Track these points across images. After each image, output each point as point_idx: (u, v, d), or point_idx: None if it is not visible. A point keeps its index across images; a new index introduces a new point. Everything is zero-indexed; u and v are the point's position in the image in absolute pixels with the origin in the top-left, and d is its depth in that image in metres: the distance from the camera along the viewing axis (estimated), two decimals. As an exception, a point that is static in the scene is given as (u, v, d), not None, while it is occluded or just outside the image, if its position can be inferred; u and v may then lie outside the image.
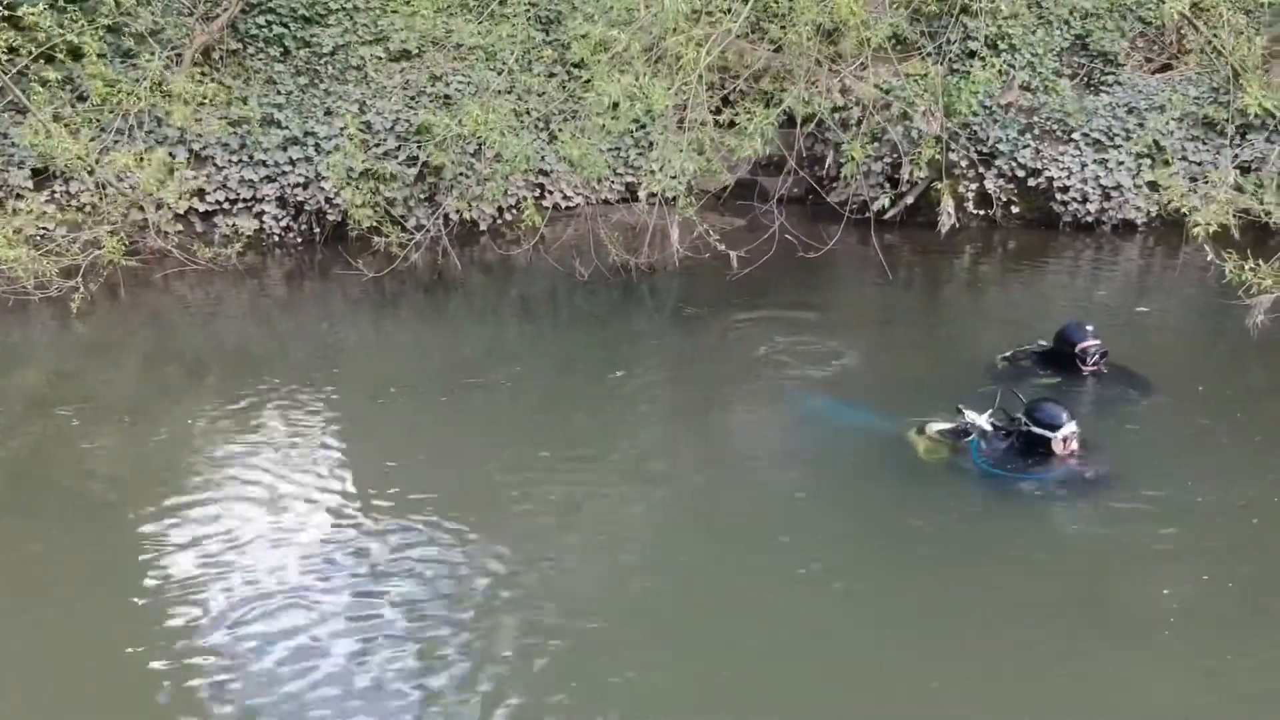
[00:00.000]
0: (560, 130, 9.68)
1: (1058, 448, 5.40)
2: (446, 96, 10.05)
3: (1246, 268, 6.53)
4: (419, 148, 9.57)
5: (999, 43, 10.36)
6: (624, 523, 5.46)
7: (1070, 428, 5.40)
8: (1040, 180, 10.03)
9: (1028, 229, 10.19)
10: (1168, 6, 8.55)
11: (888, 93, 9.99)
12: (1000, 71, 10.20)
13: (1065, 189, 9.98)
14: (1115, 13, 10.69)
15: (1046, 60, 10.44)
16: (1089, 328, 6.51)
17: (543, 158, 10.07)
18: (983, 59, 10.20)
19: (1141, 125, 10.08)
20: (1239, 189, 9.54)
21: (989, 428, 5.64)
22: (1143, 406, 6.36)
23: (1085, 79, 10.56)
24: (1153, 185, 9.83)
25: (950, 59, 9.99)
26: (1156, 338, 7.61)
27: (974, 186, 10.07)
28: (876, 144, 10.05)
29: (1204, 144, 9.97)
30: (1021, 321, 7.89)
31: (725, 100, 9.56)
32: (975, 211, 10.12)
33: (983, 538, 5.20)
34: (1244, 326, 6.85)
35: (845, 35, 8.12)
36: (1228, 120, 9.87)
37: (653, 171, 8.39)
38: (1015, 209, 10.16)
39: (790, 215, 9.55)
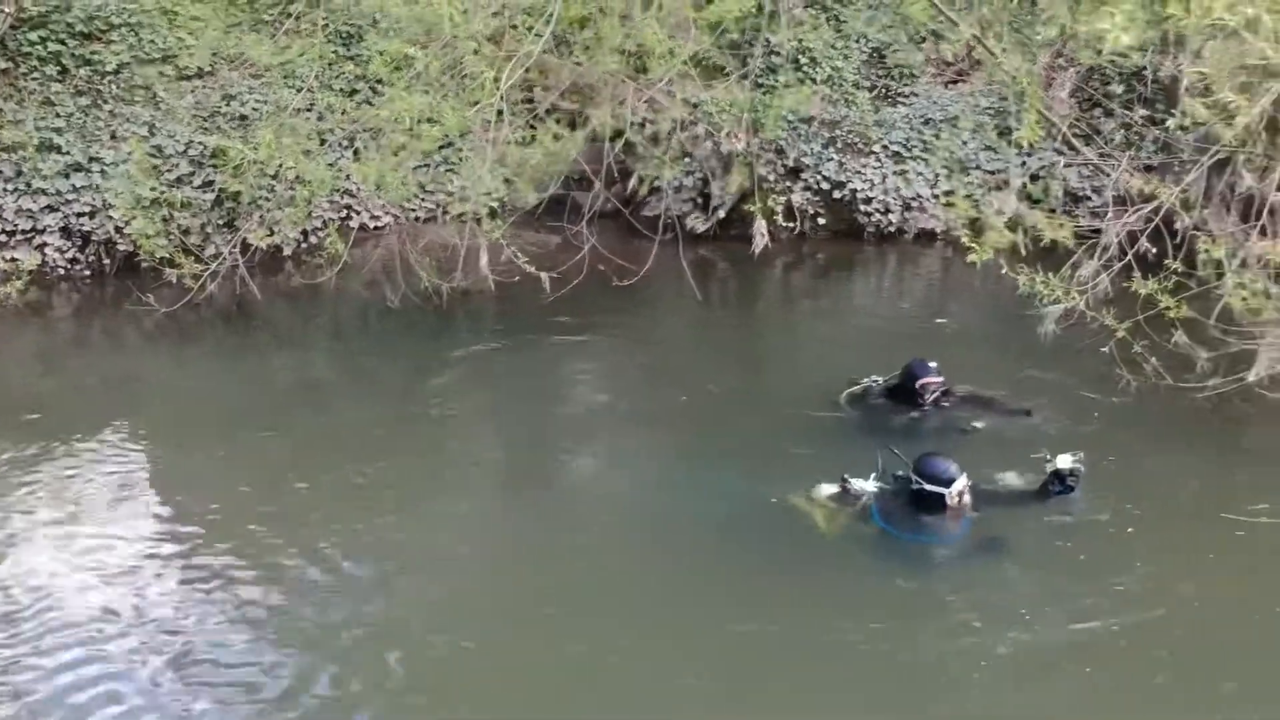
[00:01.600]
0: (365, 149, 9.67)
1: (951, 502, 5.45)
2: (242, 116, 9.91)
3: (1038, 280, 7.05)
4: (215, 171, 9.41)
5: (800, 57, 10.87)
6: (443, 559, 5.60)
7: (961, 482, 5.46)
8: (845, 193, 10.59)
9: (835, 240, 10.74)
10: (961, 29, 9.12)
11: (696, 106, 10.35)
12: (803, 82, 10.71)
13: (868, 201, 10.57)
14: (910, 26, 11.33)
15: (846, 74, 11.00)
16: (932, 364, 6.73)
17: (347, 177, 10.04)
18: (786, 73, 10.69)
19: (937, 137, 10.76)
20: (1030, 198, 10.30)
21: (876, 490, 5.67)
22: (978, 436, 6.68)
23: (884, 92, 11.19)
24: (950, 195, 10.50)
25: (755, 75, 10.41)
26: (956, 349, 8.14)
27: (782, 200, 10.54)
28: (687, 159, 10.40)
29: (996, 154, 10.71)
30: (833, 339, 8.43)
31: (534, 118, 9.72)
32: (784, 224, 10.57)
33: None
34: (1036, 335, 7.37)
35: (650, 57, 8.37)
36: (1038, 116, 10.58)
37: (461, 195, 8.49)
38: (822, 221, 10.70)
39: (604, 231, 9.79)
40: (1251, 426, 6.68)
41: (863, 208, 10.59)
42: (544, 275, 8.51)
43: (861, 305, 9.47)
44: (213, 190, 9.43)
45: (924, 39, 11.20)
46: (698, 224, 10.37)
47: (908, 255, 10.40)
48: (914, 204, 10.56)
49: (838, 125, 10.78)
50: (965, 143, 10.72)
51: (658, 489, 6.28)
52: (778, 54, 10.68)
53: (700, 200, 10.60)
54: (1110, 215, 7.85)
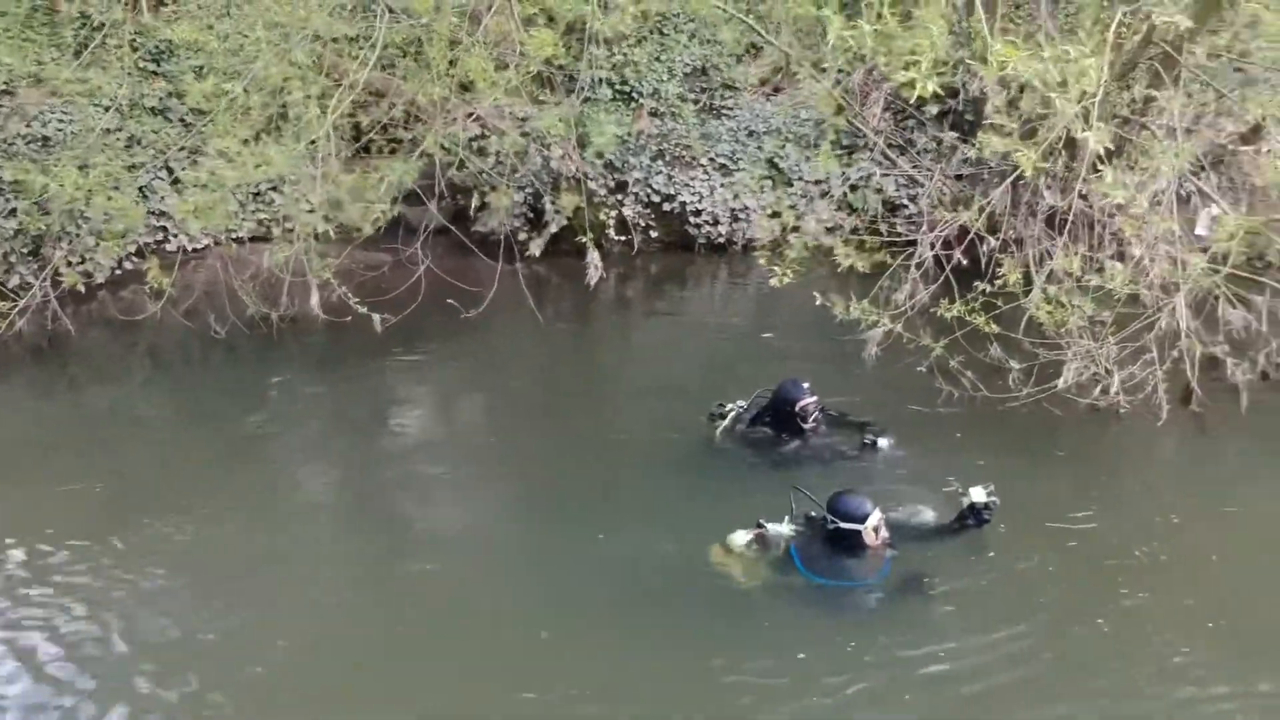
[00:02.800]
0: (183, 173, 9.37)
1: (869, 538, 5.44)
2: (45, 138, 9.46)
3: (853, 307, 7.43)
4: (16, 199, 8.97)
5: (625, 70, 11.05)
6: (276, 599, 5.63)
7: (875, 516, 5.47)
8: (674, 205, 10.84)
9: (667, 252, 10.99)
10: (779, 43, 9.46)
11: (525, 120, 10.41)
12: (629, 97, 10.91)
13: (698, 212, 10.85)
14: (731, 33, 11.62)
15: (671, 86, 11.24)
16: (805, 384, 6.78)
17: (163, 199, 9.74)
18: (612, 86, 10.86)
19: (760, 148, 11.12)
20: (850, 207, 10.78)
21: (793, 532, 5.65)
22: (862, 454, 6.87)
23: (708, 104, 11.48)
24: (775, 211, 10.85)
25: (582, 90, 10.52)
26: (781, 365, 8.46)
27: (613, 214, 10.71)
28: (517, 174, 10.45)
29: (816, 164, 11.11)
30: (674, 359, 8.77)
31: (364, 148, 9.63)
32: (616, 238, 10.74)
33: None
34: (860, 347, 7.77)
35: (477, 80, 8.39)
36: (834, 141, 11.06)
37: (286, 227, 8.35)
38: (654, 233, 10.92)
39: (437, 247, 9.74)
40: (1064, 432, 7.15)
41: (692, 219, 10.87)
42: (376, 318, 8.37)
43: (696, 321, 9.74)
44: (15, 218, 8.98)
45: (743, 55, 11.54)
46: (533, 247, 10.36)
47: (738, 266, 10.73)
48: (741, 215, 10.88)
49: (665, 138, 11.01)
50: (787, 154, 11.09)
51: (520, 539, 6.32)
52: (602, 67, 10.81)
53: (532, 215, 10.67)
54: (924, 228, 8.33)
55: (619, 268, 10.73)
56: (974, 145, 7.93)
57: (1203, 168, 8.93)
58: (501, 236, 10.13)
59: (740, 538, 5.67)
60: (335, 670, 5.09)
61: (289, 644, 5.24)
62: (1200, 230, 7.87)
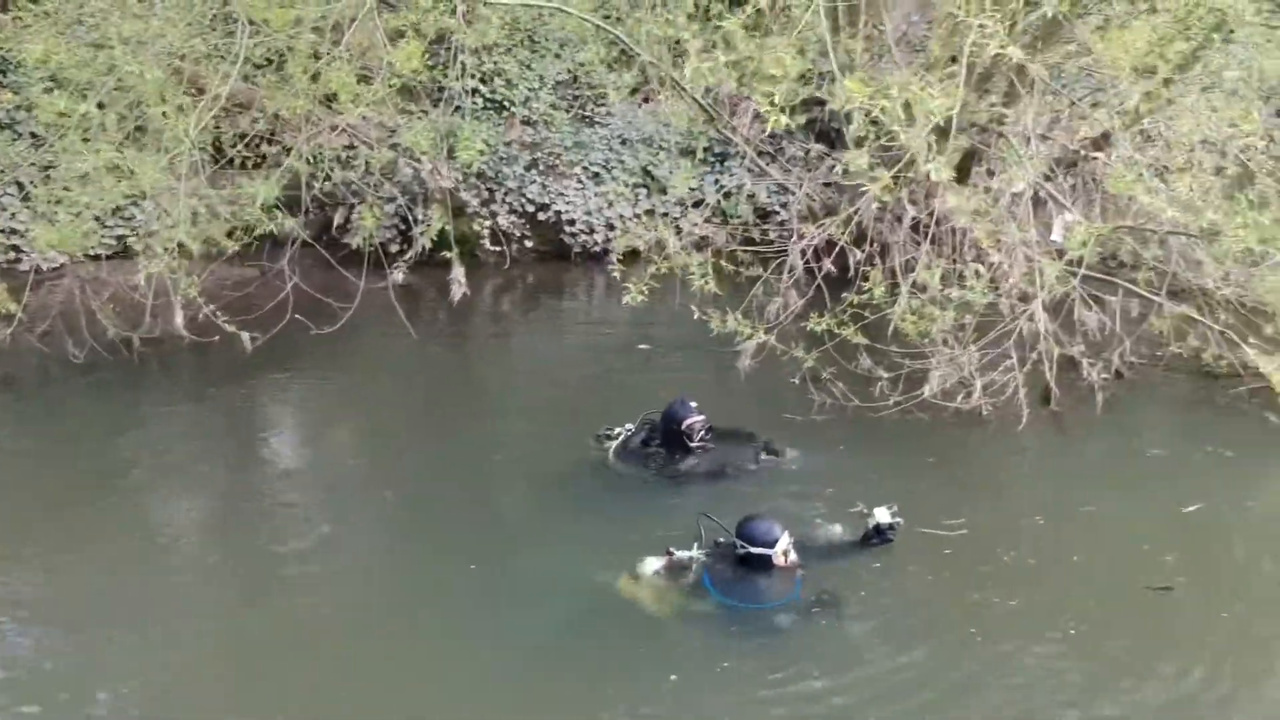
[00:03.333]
0: (35, 189, 8.98)
1: (779, 561, 5.49)
2: None
3: (729, 321, 7.56)
4: None
5: (495, 78, 11.01)
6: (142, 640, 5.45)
7: (785, 540, 5.52)
8: (549, 214, 10.84)
9: (543, 262, 10.99)
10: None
11: (393, 131, 10.27)
12: (500, 106, 10.88)
13: (572, 222, 10.87)
14: (601, 41, 11.65)
15: (543, 94, 11.23)
16: (692, 404, 6.82)
17: (13, 215, 9.36)
18: (483, 95, 10.81)
19: (634, 156, 11.18)
20: (723, 214, 10.93)
21: (703, 558, 5.64)
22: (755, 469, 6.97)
23: (580, 112, 11.50)
24: (650, 214, 10.95)
25: (452, 100, 10.43)
26: (657, 377, 8.56)
27: (487, 224, 10.64)
28: (386, 186, 10.32)
29: (701, 162, 11.20)
30: (555, 374, 8.75)
31: (230, 162, 9.40)
32: (492, 248, 10.68)
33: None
34: (734, 357, 7.88)
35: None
36: (708, 149, 11.20)
37: (148, 245, 8.10)
38: (530, 243, 10.90)
39: (306, 260, 9.54)
40: (934, 438, 7.36)
41: (568, 229, 10.89)
42: (245, 336, 8.18)
43: (574, 333, 9.80)
44: None
45: (614, 63, 11.56)
46: (395, 274, 9.97)
47: (615, 275, 10.72)
48: (617, 223, 10.93)
49: (538, 147, 11.00)
50: (661, 162, 11.18)
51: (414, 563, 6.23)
52: (473, 76, 10.74)
53: (404, 226, 10.53)
54: (794, 238, 8.49)
55: (495, 279, 10.68)
56: (839, 160, 8.09)
57: (1055, 173, 9.31)
58: (369, 250, 9.92)
59: (650, 565, 5.63)
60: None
61: (142, 687, 5.07)
62: (1055, 235, 8.18)
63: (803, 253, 8.26)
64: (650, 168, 11.19)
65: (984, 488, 6.89)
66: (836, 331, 7.52)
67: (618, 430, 7.01)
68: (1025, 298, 7.62)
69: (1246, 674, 5.04)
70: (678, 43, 8.65)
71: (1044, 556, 6.02)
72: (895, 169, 6.81)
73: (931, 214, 7.79)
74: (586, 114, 11.53)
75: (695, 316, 7.60)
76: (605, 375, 8.60)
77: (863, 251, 7.98)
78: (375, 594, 5.87)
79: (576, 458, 7.06)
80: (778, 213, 10.93)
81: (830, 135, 10.41)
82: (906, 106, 5.49)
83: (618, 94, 10.62)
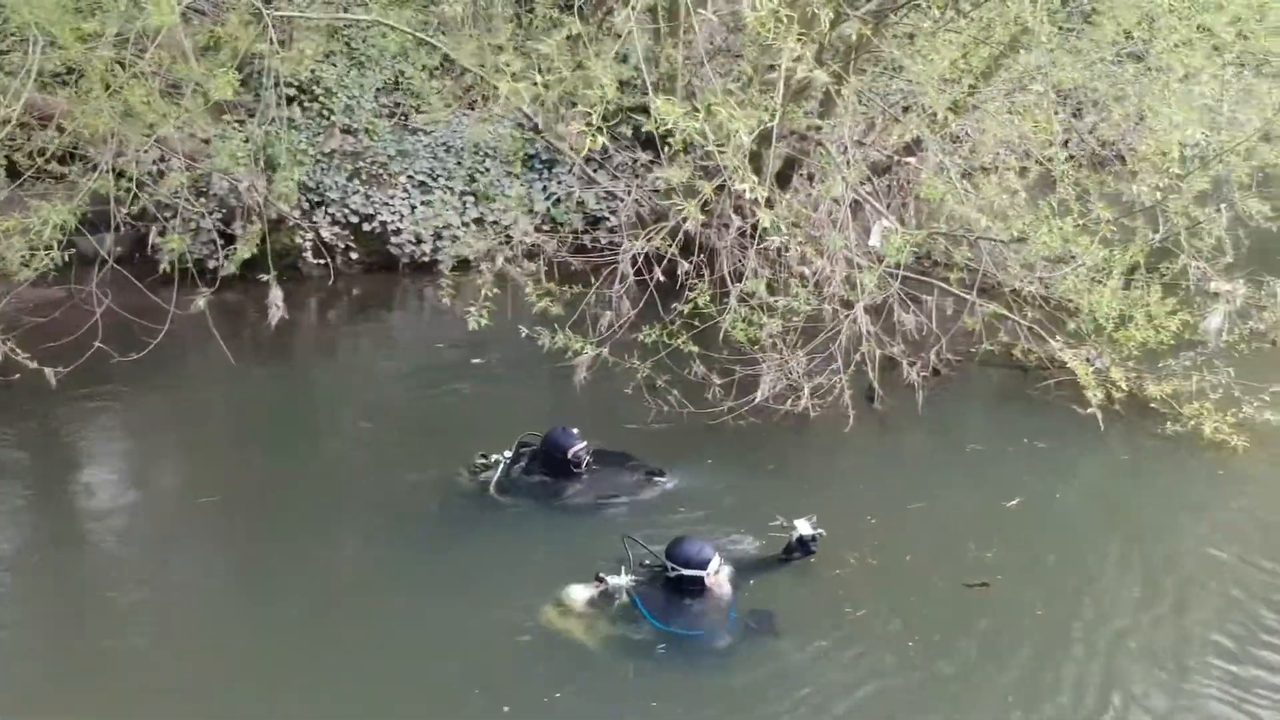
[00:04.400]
0: None
1: (710, 583, 5.47)
2: None
3: (559, 338, 7.59)
4: None
5: (314, 87, 10.73)
6: None
7: (716, 561, 5.51)
8: (375, 225, 10.63)
9: (370, 274, 10.78)
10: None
11: (206, 142, 9.91)
12: (320, 114, 10.62)
13: (399, 232, 10.69)
14: (423, 50, 11.49)
15: (364, 102, 11.01)
16: (574, 430, 6.77)
17: None
18: (302, 105, 10.53)
19: (460, 164, 11.08)
20: (553, 221, 10.95)
21: (633, 583, 5.56)
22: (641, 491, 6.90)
23: (403, 119, 11.32)
24: (479, 222, 10.86)
25: (268, 111, 10.11)
26: (496, 392, 8.52)
27: (310, 236, 10.37)
28: (203, 199, 9.94)
29: (518, 179, 11.20)
30: (387, 394, 8.55)
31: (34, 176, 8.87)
32: (316, 261, 10.39)
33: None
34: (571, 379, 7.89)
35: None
36: (534, 156, 11.20)
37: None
38: (355, 255, 10.67)
39: (118, 280, 9.08)
40: (769, 443, 7.53)
41: (394, 239, 10.71)
42: (49, 372, 7.63)
43: (406, 349, 9.59)
44: None
45: (437, 69, 11.44)
46: (199, 301, 9.31)
47: (445, 285, 10.57)
48: (445, 233, 10.81)
49: (360, 156, 10.79)
50: (488, 169, 11.11)
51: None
52: (291, 84, 10.44)
53: (221, 241, 10.15)
54: (623, 248, 8.56)
55: (319, 293, 10.42)
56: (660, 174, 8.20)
57: (871, 179, 9.66)
58: (181, 270, 9.50)
59: (579, 593, 5.50)
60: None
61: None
62: (873, 241, 8.49)
63: (633, 261, 8.34)
64: (477, 175, 11.08)
65: (821, 491, 7.02)
66: (669, 341, 7.65)
67: (494, 458, 6.81)
68: (847, 303, 7.88)
69: (1062, 671, 5.30)
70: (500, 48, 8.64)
71: (883, 558, 6.15)
72: (716, 182, 6.99)
73: (756, 222, 7.96)
74: (410, 122, 11.35)
75: (524, 335, 7.60)
76: (440, 393, 8.46)
77: (691, 261, 8.10)
78: (232, 653, 5.51)
79: (438, 487, 6.90)
80: (608, 219, 10.99)
81: (657, 143, 10.51)
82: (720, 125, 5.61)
83: (442, 103, 10.54)
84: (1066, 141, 9.75)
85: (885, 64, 9.51)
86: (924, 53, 9.41)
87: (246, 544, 6.48)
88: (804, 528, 5.98)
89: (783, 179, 9.73)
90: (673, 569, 5.48)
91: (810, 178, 9.92)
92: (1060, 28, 9.24)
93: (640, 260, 8.26)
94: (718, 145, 5.66)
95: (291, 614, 5.72)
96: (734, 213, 8.39)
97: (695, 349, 7.67)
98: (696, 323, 7.75)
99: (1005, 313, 8.53)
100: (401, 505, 6.74)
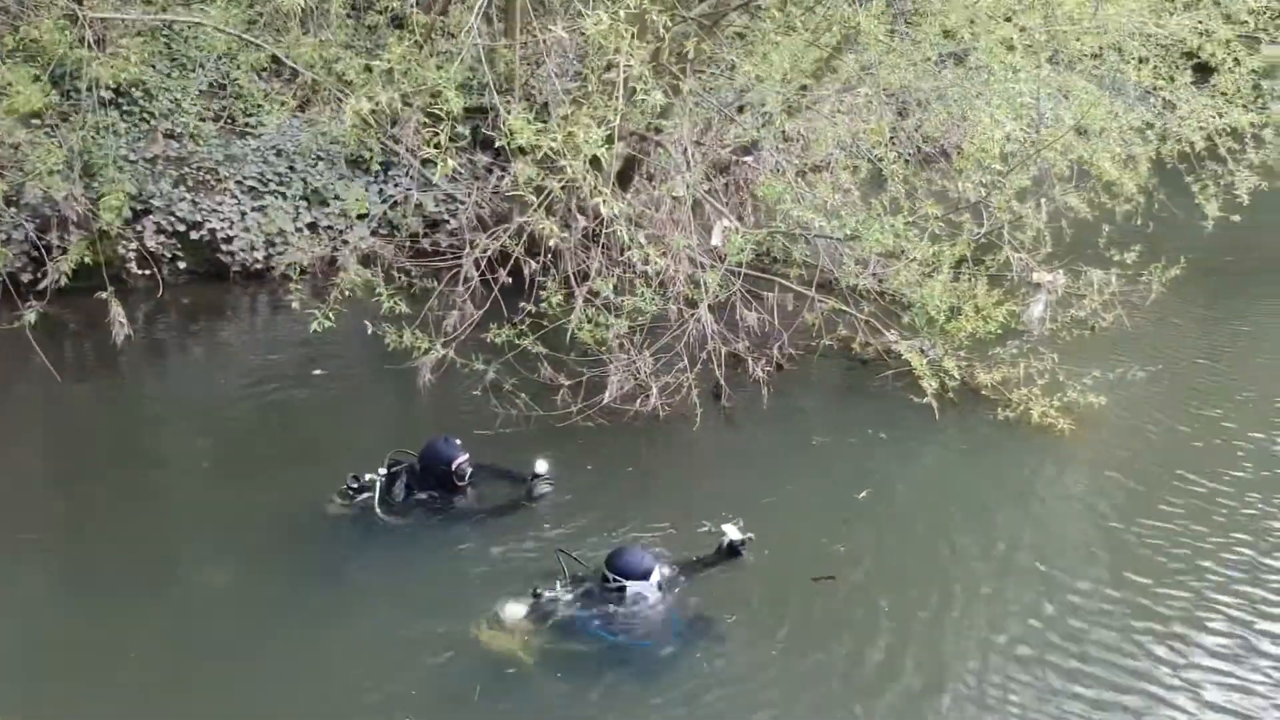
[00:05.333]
0: None
1: (652, 592, 5.49)
2: None
3: (405, 336, 7.46)
4: None
5: (134, 90, 10.28)
6: None
7: (658, 570, 5.54)
8: (203, 233, 10.25)
9: (200, 283, 10.38)
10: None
11: (16, 148, 9.38)
12: (142, 121, 10.20)
13: (229, 239, 10.34)
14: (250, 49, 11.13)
15: (187, 105, 10.60)
16: (456, 441, 6.57)
17: None
18: (120, 109, 10.08)
19: (292, 168, 10.77)
20: (392, 226, 10.76)
21: (571, 596, 5.48)
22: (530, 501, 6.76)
23: (230, 123, 10.95)
24: (313, 228, 10.60)
25: (87, 113, 9.65)
26: (340, 401, 8.32)
27: (134, 246, 9.92)
28: (14, 209, 9.42)
29: (353, 182, 10.95)
30: (220, 412, 8.17)
31: None
32: (141, 272, 9.94)
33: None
34: (416, 384, 7.77)
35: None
36: (372, 159, 10.96)
37: None
38: (183, 264, 10.28)
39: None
40: (621, 444, 7.54)
41: (224, 247, 10.34)
42: None
43: (243, 361, 9.15)
44: None
45: (265, 69, 11.12)
46: (28, 314, 8.61)
47: (280, 293, 10.28)
48: (278, 239, 10.50)
49: (186, 162, 10.39)
50: (321, 172, 10.85)
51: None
52: (108, 87, 9.96)
53: (38, 253, 9.63)
54: (467, 249, 8.49)
55: (146, 304, 9.95)
56: (508, 173, 8.13)
57: (711, 178, 9.83)
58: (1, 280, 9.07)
59: (516, 610, 5.38)
60: None
61: None
62: (715, 240, 8.65)
63: (476, 263, 8.27)
64: (310, 179, 10.80)
65: (678, 491, 7.13)
66: (516, 342, 7.61)
67: (368, 478, 6.47)
68: (692, 302, 7.99)
69: (912, 657, 5.49)
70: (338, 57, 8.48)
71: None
72: (561, 181, 7.00)
73: (601, 221, 7.99)
74: (238, 124, 10.97)
75: (370, 332, 7.42)
76: (284, 406, 8.18)
77: (537, 261, 8.09)
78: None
79: (309, 513, 6.53)
80: (447, 222, 10.87)
81: (495, 144, 10.44)
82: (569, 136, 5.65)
83: (273, 106, 10.24)
84: (894, 139, 10.10)
85: (721, 66, 9.63)
86: (757, 54, 9.61)
87: (80, 592, 5.95)
88: (732, 532, 6.05)
89: (623, 179, 9.81)
90: (615, 580, 5.46)
91: (650, 178, 10.02)
92: (890, 29, 9.57)
93: (484, 263, 8.20)
94: (570, 159, 5.68)
95: (151, 680, 5.20)
96: (579, 213, 8.40)
97: (543, 350, 7.64)
98: (545, 323, 7.73)
99: (843, 307, 8.77)
100: (271, 535, 6.38)
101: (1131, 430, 7.94)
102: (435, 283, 8.50)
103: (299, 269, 10.04)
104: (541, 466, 6.78)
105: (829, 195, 8.52)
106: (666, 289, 8.10)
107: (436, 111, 6.61)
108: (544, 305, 7.68)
